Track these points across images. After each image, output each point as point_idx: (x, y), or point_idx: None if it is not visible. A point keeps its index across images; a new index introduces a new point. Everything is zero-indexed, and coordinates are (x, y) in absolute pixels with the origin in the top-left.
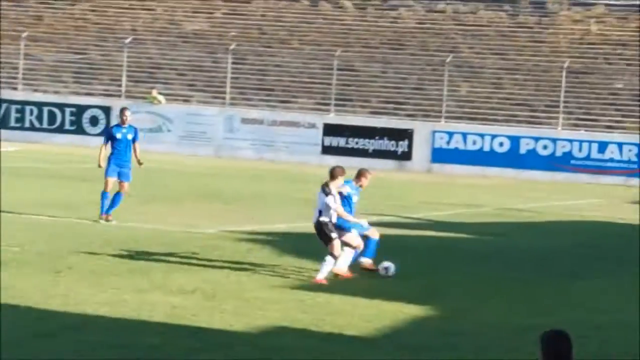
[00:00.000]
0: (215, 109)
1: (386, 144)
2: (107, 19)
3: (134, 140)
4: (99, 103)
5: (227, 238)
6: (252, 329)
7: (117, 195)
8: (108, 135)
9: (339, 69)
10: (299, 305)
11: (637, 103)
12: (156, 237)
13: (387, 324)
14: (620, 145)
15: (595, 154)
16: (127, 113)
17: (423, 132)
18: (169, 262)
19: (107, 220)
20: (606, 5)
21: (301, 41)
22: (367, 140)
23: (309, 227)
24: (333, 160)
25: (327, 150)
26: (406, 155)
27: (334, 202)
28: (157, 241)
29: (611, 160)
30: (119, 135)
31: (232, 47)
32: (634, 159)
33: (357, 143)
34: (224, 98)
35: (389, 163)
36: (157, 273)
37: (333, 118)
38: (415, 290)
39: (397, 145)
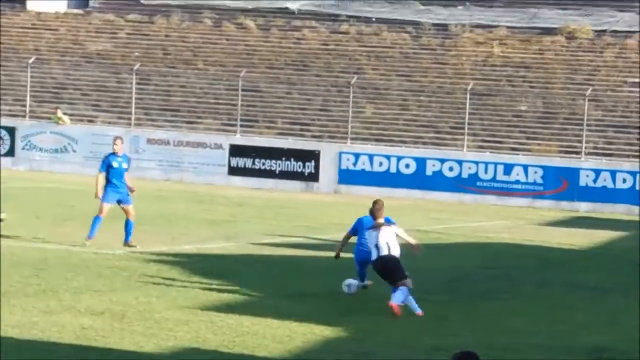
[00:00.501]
0: (120, 129)
1: (293, 165)
2: (10, 39)
3: (126, 168)
4: (4, 123)
5: (135, 259)
6: (163, 349)
7: (128, 222)
8: (106, 164)
9: (244, 90)
10: (209, 326)
11: (541, 125)
12: (64, 257)
13: (298, 345)
14: (525, 167)
15: (501, 176)
16: (119, 142)
17: (329, 154)
18: (77, 283)
19: (129, 246)
20: (508, 27)
21: (205, 62)
22: (273, 161)
23: (216, 248)
24: (240, 181)
25: (233, 171)
26: (313, 177)
27: (402, 231)
28: (66, 262)
29: (517, 182)
30: (115, 164)
31: (136, 67)
32: (540, 181)
33: (263, 164)
34: (129, 118)
35: (296, 184)
36: (66, 294)
37: (239, 139)
38: (326, 311)
39: (304, 167)
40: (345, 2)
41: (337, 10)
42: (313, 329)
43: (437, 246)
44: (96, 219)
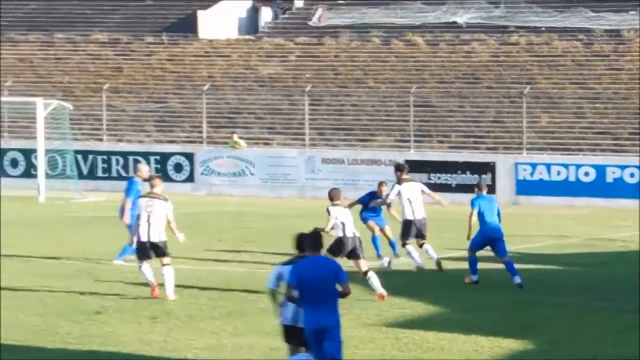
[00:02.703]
0: (295, 150)
1: (469, 178)
2: (184, 68)
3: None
4: (182, 150)
5: None
6: None
7: (390, 242)
8: (364, 201)
9: (415, 105)
10: (394, 343)
11: None
12: (249, 279)
13: (486, 359)
14: None
15: None
16: (383, 187)
17: (505, 165)
18: (263, 304)
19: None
20: None
21: (376, 80)
22: (449, 175)
23: (397, 263)
24: None
25: None
26: (490, 189)
27: None
28: (249, 283)
29: None
30: (372, 204)
31: (307, 88)
32: None
33: (439, 178)
34: (303, 139)
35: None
36: (253, 315)
37: (413, 154)
38: (511, 324)
39: (480, 179)
40: (513, 13)
41: (506, 21)
42: (499, 342)
43: (623, 254)
44: (374, 238)
